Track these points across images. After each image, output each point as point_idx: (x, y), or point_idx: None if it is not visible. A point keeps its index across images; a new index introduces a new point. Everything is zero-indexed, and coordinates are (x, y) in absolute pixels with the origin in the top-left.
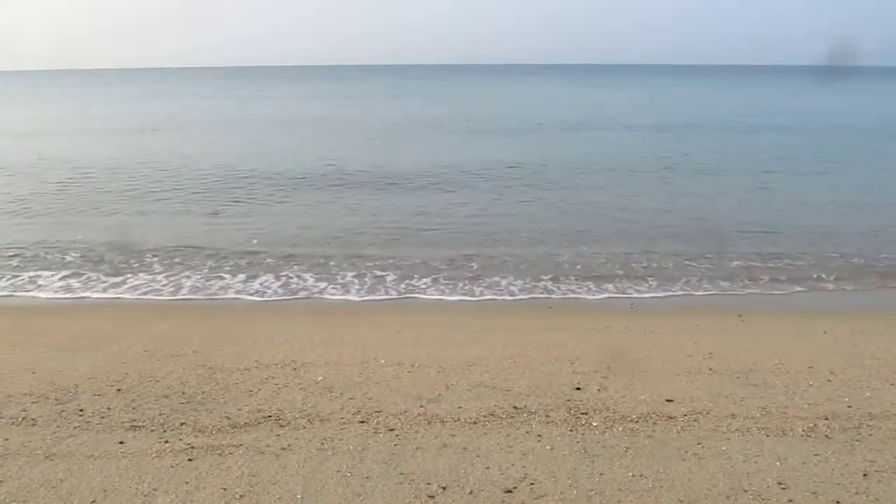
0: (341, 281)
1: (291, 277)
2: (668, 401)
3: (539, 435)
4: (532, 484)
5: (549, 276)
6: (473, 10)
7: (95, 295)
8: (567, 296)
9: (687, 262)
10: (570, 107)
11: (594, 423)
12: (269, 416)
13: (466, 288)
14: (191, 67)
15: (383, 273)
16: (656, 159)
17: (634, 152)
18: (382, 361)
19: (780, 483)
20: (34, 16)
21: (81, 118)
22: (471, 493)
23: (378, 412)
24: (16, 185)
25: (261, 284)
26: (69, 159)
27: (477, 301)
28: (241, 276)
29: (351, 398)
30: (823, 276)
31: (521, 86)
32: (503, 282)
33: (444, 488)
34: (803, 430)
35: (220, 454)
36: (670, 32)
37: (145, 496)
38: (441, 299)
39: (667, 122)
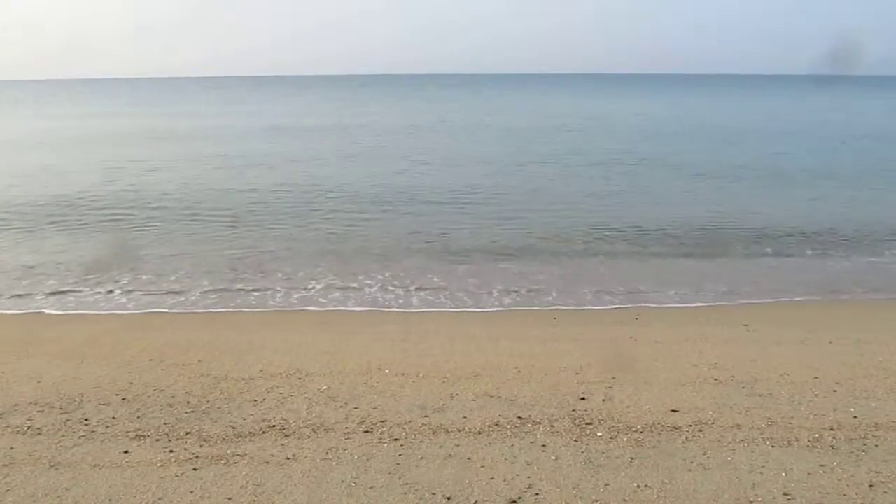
0: (345, 290)
1: (298, 287)
2: (673, 411)
3: (543, 445)
4: (537, 494)
5: (552, 285)
6: (464, 23)
7: (101, 305)
8: (572, 305)
9: (691, 270)
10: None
11: (599, 434)
12: (274, 426)
13: (470, 297)
14: (196, 77)
15: (387, 282)
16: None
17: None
18: (387, 371)
19: (785, 494)
20: (32, 25)
21: None
22: (475, 503)
23: (383, 422)
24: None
25: (268, 294)
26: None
27: (481, 310)
28: (249, 287)
29: (355, 408)
30: (829, 283)
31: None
32: (506, 290)
33: (448, 498)
34: (809, 441)
35: (224, 464)
36: (666, 43)
37: None
38: (445, 309)
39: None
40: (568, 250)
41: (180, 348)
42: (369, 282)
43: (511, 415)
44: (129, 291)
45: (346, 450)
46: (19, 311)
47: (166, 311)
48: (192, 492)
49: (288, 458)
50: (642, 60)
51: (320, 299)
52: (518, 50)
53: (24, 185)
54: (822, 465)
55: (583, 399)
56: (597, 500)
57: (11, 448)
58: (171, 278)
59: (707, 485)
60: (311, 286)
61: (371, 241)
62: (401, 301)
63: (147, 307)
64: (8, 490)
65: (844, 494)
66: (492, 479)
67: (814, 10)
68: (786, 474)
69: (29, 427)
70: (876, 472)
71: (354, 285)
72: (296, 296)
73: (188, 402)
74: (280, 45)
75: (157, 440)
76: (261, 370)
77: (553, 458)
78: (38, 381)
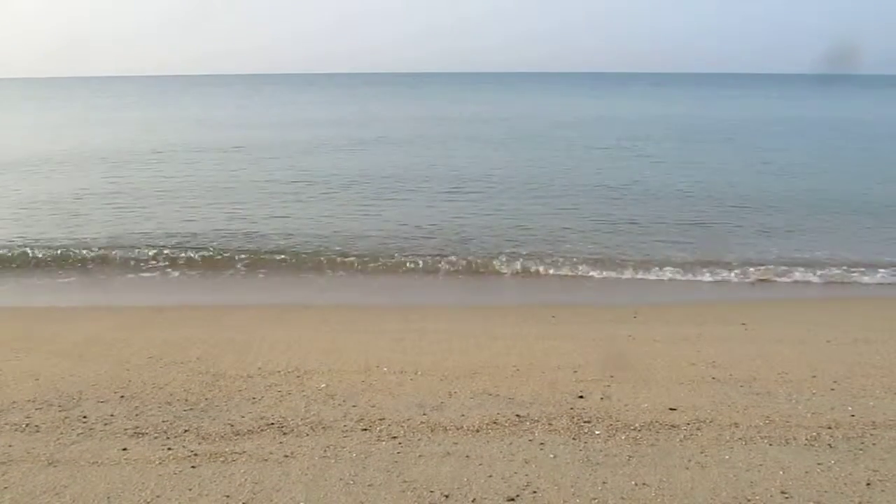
0: (343, 286)
1: (294, 282)
2: (671, 409)
3: (542, 443)
4: (535, 492)
5: (552, 283)
6: (470, 23)
7: (99, 300)
8: (570, 303)
9: (690, 270)
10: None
11: (597, 432)
12: (273, 424)
13: (469, 294)
14: (198, 76)
15: (388, 278)
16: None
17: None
18: (385, 369)
19: (783, 492)
20: (29, 21)
21: None
22: (473, 501)
23: (381, 420)
24: None
25: (264, 289)
26: None
27: (479, 308)
28: (246, 282)
29: (354, 406)
30: (826, 282)
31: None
32: (506, 288)
33: (446, 496)
34: (806, 440)
35: (223, 461)
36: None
37: (149, 503)
38: (444, 306)
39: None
40: (567, 247)
41: (179, 346)
42: (368, 278)
43: (509, 413)
44: (127, 287)
45: (344, 448)
46: (17, 307)
47: (166, 307)
48: (190, 489)
49: (286, 456)
50: (643, 59)
51: (319, 295)
52: (519, 49)
53: None
54: (819, 464)
55: (581, 397)
56: (595, 499)
57: (10, 445)
58: (175, 274)
59: (705, 483)
60: (311, 282)
61: (370, 233)
62: (399, 298)
63: (146, 303)
64: (6, 487)
65: (842, 493)
66: (490, 476)
67: (816, 9)
68: (783, 472)
69: (27, 424)
70: (874, 471)
71: (354, 282)
72: (296, 292)
73: (186, 400)
74: (281, 43)
75: (156, 438)
76: (259, 368)
77: (551, 456)
78: (37, 379)
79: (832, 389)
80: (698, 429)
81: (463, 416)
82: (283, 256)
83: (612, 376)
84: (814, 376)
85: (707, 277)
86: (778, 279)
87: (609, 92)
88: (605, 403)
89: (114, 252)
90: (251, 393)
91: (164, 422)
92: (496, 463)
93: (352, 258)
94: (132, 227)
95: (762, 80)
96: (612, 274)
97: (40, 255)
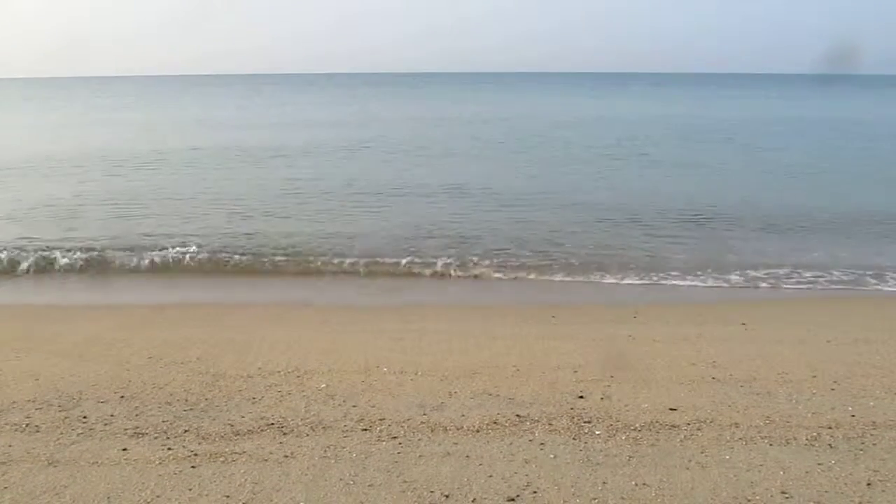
0: (343, 286)
1: (294, 282)
2: (671, 409)
3: (542, 443)
4: (535, 492)
5: (551, 282)
6: (470, 23)
7: (99, 300)
8: (570, 303)
9: (690, 271)
10: None
11: (597, 432)
12: (273, 424)
13: (469, 294)
14: (200, 76)
15: (388, 278)
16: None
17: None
18: (385, 369)
19: (783, 492)
20: (29, 21)
21: None
22: (473, 501)
23: (381, 420)
24: None
25: (264, 289)
26: None
27: (479, 308)
28: (246, 282)
29: (354, 406)
30: (826, 283)
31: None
32: (505, 288)
33: (446, 496)
34: (807, 440)
35: (223, 461)
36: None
37: (148, 503)
38: (443, 306)
39: None
40: (567, 245)
41: (179, 346)
42: (368, 278)
43: (509, 413)
44: (130, 286)
45: (344, 448)
46: (18, 306)
47: (166, 307)
48: (190, 489)
49: (286, 456)
50: (643, 59)
51: (318, 295)
52: (519, 49)
53: None
54: (819, 464)
55: (581, 397)
56: (595, 499)
57: (10, 446)
58: (175, 274)
59: (705, 483)
60: (311, 282)
61: (370, 233)
62: (399, 298)
63: (146, 303)
64: (6, 487)
65: (842, 493)
66: (490, 476)
67: (816, 9)
68: (784, 473)
69: (27, 424)
70: (874, 471)
71: (353, 282)
72: (296, 292)
73: (186, 400)
74: (281, 43)
75: (156, 438)
76: (259, 368)
77: (551, 456)
78: (37, 379)
79: (832, 389)
80: (698, 429)
81: (463, 416)
82: (283, 256)
83: (612, 376)
84: (814, 376)
85: (707, 277)
86: (778, 279)
87: (609, 92)
88: (605, 403)
89: (114, 252)
90: (251, 393)
91: (164, 422)
92: (496, 463)
93: (352, 258)
94: (132, 227)
95: (762, 80)
96: (612, 274)
97: (40, 255)
